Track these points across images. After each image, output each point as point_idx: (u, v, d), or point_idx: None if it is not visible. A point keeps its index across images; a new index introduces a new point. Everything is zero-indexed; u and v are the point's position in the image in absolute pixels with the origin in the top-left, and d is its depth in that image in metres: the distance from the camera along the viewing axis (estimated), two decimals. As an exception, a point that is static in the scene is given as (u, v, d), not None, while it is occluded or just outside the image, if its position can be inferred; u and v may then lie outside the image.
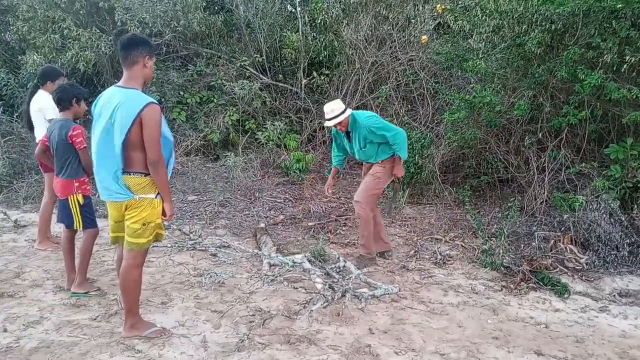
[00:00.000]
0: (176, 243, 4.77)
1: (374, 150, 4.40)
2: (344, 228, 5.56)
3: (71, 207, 3.60)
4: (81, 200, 3.61)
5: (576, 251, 4.65)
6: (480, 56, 5.78)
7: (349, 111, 4.33)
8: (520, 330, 3.48)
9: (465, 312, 3.71)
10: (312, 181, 7.09)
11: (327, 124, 4.37)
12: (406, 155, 4.45)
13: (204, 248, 4.70)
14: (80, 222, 3.63)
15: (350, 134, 4.43)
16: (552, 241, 4.81)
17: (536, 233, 4.99)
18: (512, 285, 4.18)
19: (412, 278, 4.31)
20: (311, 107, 8.28)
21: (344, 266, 4.32)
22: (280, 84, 8.58)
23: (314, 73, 8.31)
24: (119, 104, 2.73)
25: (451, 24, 6.28)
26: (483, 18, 5.48)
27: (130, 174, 2.82)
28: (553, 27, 5.08)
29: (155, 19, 7.52)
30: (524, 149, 5.94)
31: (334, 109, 4.29)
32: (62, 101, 3.60)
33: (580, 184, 5.43)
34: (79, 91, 3.67)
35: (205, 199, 6.34)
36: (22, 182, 6.45)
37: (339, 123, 4.30)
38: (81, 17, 7.79)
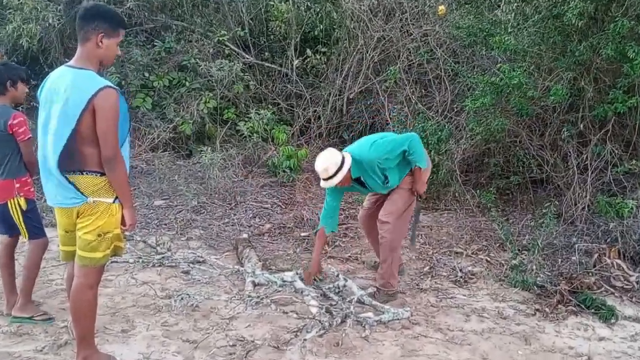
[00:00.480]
0: (140, 258, 4.76)
1: (398, 173, 4.15)
2: (343, 239, 5.57)
3: (12, 214, 3.58)
4: (24, 205, 3.58)
5: (625, 267, 4.66)
6: (509, 30, 5.79)
7: (348, 161, 3.97)
8: (558, 363, 3.49)
9: (491, 342, 3.71)
10: (306, 182, 7.09)
11: (323, 184, 4.07)
12: (425, 164, 4.15)
13: (173, 264, 4.70)
14: (26, 231, 3.62)
15: (362, 179, 4.16)
16: (596, 255, 4.82)
17: (576, 245, 5.00)
18: (547, 309, 4.19)
19: (427, 300, 4.31)
20: (304, 93, 8.29)
21: (345, 285, 4.32)
22: (266, 64, 8.59)
23: (308, 51, 8.32)
24: (68, 87, 2.72)
25: (474, -8, 6.32)
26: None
27: (82, 174, 2.80)
28: (596, -6, 5.10)
29: (115, -18, 7.51)
30: (562, 143, 5.96)
31: (328, 168, 3.93)
32: None
33: (629, 186, 5.45)
34: (14, 72, 3.65)
35: (175, 204, 6.33)
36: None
37: (340, 182, 3.99)
38: (24, -18, 7.77)
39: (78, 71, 2.79)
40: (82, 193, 2.80)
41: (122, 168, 2.83)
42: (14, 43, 7.51)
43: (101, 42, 2.82)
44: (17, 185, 3.58)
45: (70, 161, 2.76)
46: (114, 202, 2.87)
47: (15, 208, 3.57)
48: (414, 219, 4.77)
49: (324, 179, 4.00)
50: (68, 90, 2.72)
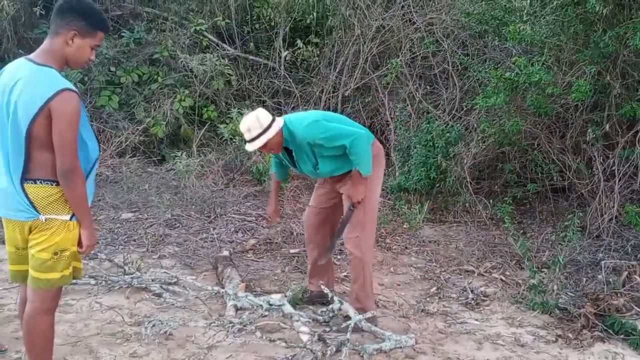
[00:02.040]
0: (105, 279, 4.74)
1: (333, 164, 4.10)
2: (339, 257, 5.57)
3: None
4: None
5: (658, 286, 4.69)
6: (524, 19, 5.83)
7: (275, 126, 3.90)
8: (583, 396, 3.50)
9: (507, 373, 3.72)
10: (295, 191, 7.10)
11: (247, 147, 4.01)
12: (370, 170, 4.01)
13: (144, 285, 4.67)
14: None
15: (292, 152, 4.15)
16: (625, 273, 4.85)
17: (603, 262, 5.03)
18: (570, 335, 4.20)
19: (434, 325, 4.32)
20: (294, 89, 8.33)
21: (340, 309, 4.31)
22: (250, 57, 8.62)
23: (298, 42, 8.35)
24: (24, 84, 2.70)
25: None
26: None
27: (34, 182, 2.77)
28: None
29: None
30: (586, 146, 5.99)
31: (250, 128, 3.87)
32: None
33: (662, 194, 5.49)
34: None
35: (146, 217, 6.33)
36: None
37: (264, 146, 3.93)
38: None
39: (37, 67, 2.76)
40: (34, 208, 2.77)
41: (81, 181, 2.77)
42: (-40, 33, 7.52)
43: (72, 40, 2.80)
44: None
45: (23, 167, 2.75)
46: (70, 219, 2.85)
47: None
48: (338, 231, 4.46)
49: (247, 141, 3.93)
50: (23, 87, 2.71)
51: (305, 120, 4.02)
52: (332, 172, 4.13)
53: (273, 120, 3.90)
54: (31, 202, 2.75)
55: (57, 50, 2.83)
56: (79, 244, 2.90)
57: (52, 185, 2.78)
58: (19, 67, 2.80)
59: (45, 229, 2.80)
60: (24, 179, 2.74)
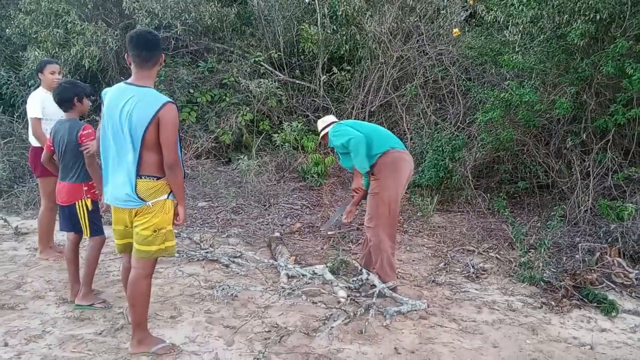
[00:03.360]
0: (185, 252, 4.82)
1: (349, 161, 4.20)
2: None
3: (78, 213, 3.65)
4: (90, 206, 3.66)
5: (625, 265, 4.57)
6: (516, 50, 5.74)
7: (328, 128, 4.35)
8: (563, 352, 3.43)
9: (501, 331, 3.67)
10: (332, 186, 7.10)
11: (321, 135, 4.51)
12: (364, 167, 4.06)
13: (215, 258, 4.74)
14: (88, 229, 3.69)
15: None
16: (598, 254, 4.74)
17: (580, 244, 4.92)
18: (553, 302, 4.12)
19: (442, 293, 4.28)
20: (330, 106, 8.32)
21: (367, 279, 4.31)
22: (297, 81, 8.65)
23: (334, 69, 8.35)
24: (136, 103, 2.78)
25: (484, 15, 6.27)
26: (520, 8, 5.45)
27: (142, 178, 2.86)
28: (598, 16, 5.02)
29: (166, 10, 7.63)
30: (566, 152, 5.88)
31: (319, 124, 4.51)
32: (64, 102, 3.64)
33: (629, 191, 5.35)
34: (79, 88, 3.69)
35: (216, 205, 6.40)
36: (23, 186, 6.59)
37: (322, 138, 4.45)
38: (86, 10, 7.96)
39: (142, 89, 2.85)
40: (140, 198, 2.86)
41: (181, 172, 2.92)
42: (76, 63, 7.69)
43: (164, 61, 2.96)
44: (85, 188, 3.65)
45: (137, 166, 2.84)
46: (167, 197, 2.94)
47: (82, 208, 3.65)
48: (337, 211, 4.74)
49: (319, 131, 4.51)
50: (136, 105, 2.77)
51: (340, 127, 4.23)
52: (351, 166, 4.28)
53: (331, 123, 4.39)
54: (138, 194, 2.85)
55: (154, 74, 2.95)
56: (176, 217, 3.02)
57: (154, 179, 2.87)
58: (124, 89, 2.88)
59: (148, 213, 2.89)
60: (138, 175, 2.85)
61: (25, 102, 4.72)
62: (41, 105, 4.44)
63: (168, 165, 2.83)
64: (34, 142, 4.55)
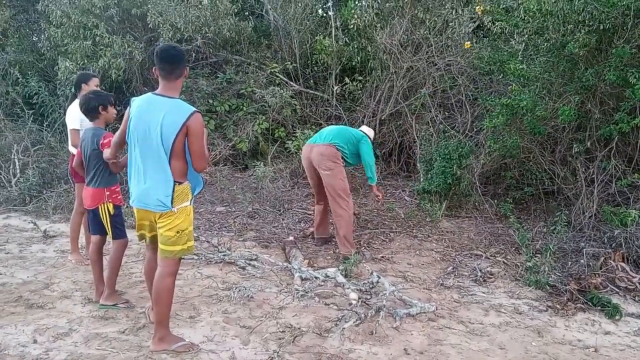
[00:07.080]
0: (204, 255, 4.86)
1: (351, 160, 5.22)
2: (376, 241, 5.55)
3: (101, 216, 3.71)
4: (112, 210, 3.71)
5: (628, 269, 4.52)
6: (522, 59, 5.71)
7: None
8: (567, 354, 3.40)
9: (508, 334, 3.65)
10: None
11: None
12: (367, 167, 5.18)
13: (232, 261, 4.76)
14: (111, 232, 3.74)
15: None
16: (602, 258, 4.69)
17: (584, 249, 4.87)
18: (558, 306, 4.09)
19: (451, 296, 4.27)
20: (342, 115, 8.33)
21: (378, 282, 4.31)
22: (311, 91, 8.67)
23: (346, 79, 8.36)
24: (165, 113, 2.83)
25: (490, 27, 6.25)
26: (526, 19, 5.43)
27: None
28: (601, 27, 4.97)
29: (187, 25, 7.72)
30: (571, 159, 5.82)
31: None
32: (90, 111, 3.70)
33: (632, 197, 5.28)
34: (103, 98, 3.75)
35: (233, 210, 6.44)
36: (52, 191, 6.70)
37: None
38: (114, 24, 8.08)
39: (170, 100, 2.92)
40: (166, 203, 2.92)
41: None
42: (103, 74, 7.80)
43: (185, 76, 3.01)
44: (107, 193, 3.71)
45: (172, 174, 2.92)
46: (189, 204, 3.01)
47: (105, 212, 3.70)
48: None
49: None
50: (165, 114, 2.83)
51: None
52: (357, 164, 5.28)
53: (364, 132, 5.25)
54: (162, 200, 2.93)
55: (180, 86, 3.01)
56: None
57: (179, 185, 2.94)
58: (153, 100, 2.93)
59: (171, 216, 2.95)
60: (175, 182, 2.94)
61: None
62: (80, 117, 4.50)
63: (200, 170, 2.97)
64: (73, 151, 4.64)
